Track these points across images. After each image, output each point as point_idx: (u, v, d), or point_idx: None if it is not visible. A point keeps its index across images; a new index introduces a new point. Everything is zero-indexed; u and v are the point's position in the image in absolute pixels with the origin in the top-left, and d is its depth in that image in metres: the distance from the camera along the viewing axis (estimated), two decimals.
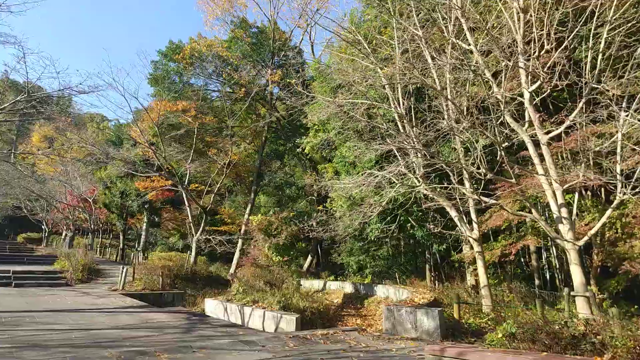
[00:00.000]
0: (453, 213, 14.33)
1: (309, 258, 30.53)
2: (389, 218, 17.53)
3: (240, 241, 26.80)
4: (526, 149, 11.94)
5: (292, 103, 26.84)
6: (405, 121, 14.80)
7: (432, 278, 21.57)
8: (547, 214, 15.63)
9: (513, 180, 10.57)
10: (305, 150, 22.96)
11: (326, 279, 27.13)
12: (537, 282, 20.69)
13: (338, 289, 25.04)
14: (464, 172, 14.34)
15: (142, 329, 9.23)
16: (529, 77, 11.40)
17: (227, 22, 26.82)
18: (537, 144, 11.58)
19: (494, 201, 11.31)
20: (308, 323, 13.22)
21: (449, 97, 13.97)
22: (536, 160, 11.44)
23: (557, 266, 21.50)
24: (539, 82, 10.60)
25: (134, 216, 36.19)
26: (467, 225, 14.39)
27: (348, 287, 24.06)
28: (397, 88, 15.00)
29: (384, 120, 15.26)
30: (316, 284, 26.39)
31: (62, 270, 21.08)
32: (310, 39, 34.29)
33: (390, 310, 9.90)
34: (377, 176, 15.09)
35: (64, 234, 41.24)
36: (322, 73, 19.36)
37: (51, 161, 37.61)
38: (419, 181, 14.45)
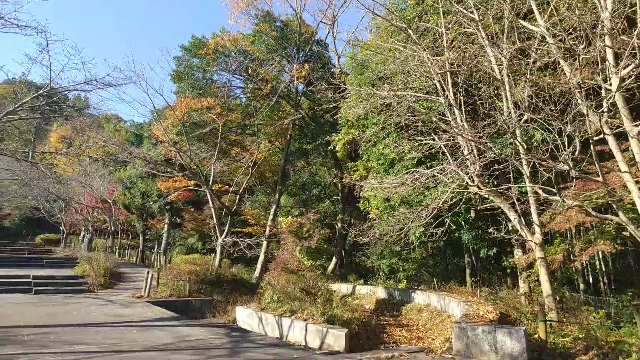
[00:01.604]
0: (512, 215, 12.95)
1: (334, 260, 29.30)
2: (432, 221, 16.19)
3: (264, 243, 25.67)
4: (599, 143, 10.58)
5: (322, 98, 25.77)
6: (457, 113, 13.47)
7: (473, 284, 20.19)
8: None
9: (600, 179, 9.20)
10: (337, 148, 21.68)
11: (354, 283, 25.88)
12: (581, 286, 19.22)
13: (369, 293, 23.75)
14: (525, 169, 12.96)
15: (182, 350, 8.07)
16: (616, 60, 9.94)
17: (251, 15, 25.71)
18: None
19: (572, 202, 9.89)
20: (354, 337, 12.01)
21: (508, 88, 12.64)
22: (619, 156, 10.02)
23: (603, 269, 19.97)
24: (632, 65, 9.19)
25: (154, 217, 35.36)
26: (527, 228, 13.00)
27: (380, 292, 22.77)
28: (447, 78, 13.65)
29: (432, 114, 13.96)
30: (344, 288, 25.15)
31: (83, 274, 20.16)
32: (333, 35, 33.12)
33: (463, 329, 8.62)
34: (425, 175, 13.80)
35: (82, 235, 40.67)
36: (359, 66, 18.03)
37: (70, 162, 37.04)
38: (472, 180, 13.13)
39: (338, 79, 20.69)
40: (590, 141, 8.82)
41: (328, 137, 22.49)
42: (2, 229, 51.62)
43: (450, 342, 11.04)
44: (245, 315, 14.22)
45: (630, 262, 20.01)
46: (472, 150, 13.14)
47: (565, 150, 9.10)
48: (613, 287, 19.79)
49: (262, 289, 23.47)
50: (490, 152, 14.09)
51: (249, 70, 23.94)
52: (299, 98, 27.52)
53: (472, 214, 16.09)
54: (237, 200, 24.89)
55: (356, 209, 30.41)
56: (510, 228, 16.00)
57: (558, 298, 13.54)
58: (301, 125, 28.30)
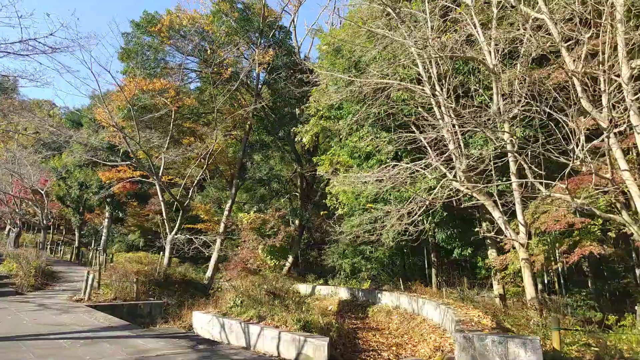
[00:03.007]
0: (496, 214, 12.34)
1: (290, 259, 27.97)
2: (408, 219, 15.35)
3: (218, 241, 23.91)
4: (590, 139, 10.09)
5: (284, 88, 24.32)
6: (442, 105, 12.66)
7: (438, 284, 19.70)
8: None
9: (609, 176, 8.64)
10: (304, 140, 20.37)
11: (314, 283, 24.76)
12: (539, 286, 19.30)
13: (330, 294, 22.67)
14: (512, 166, 12.39)
15: None
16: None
17: None
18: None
19: (578, 200, 9.28)
20: (331, 345, 10.85)
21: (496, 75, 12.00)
22: (618, 153, 9.57)
23: (559, 269, 20.18)
24: None
25: (93, 211, 32.23)
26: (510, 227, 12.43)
27: (342, 293, 21.77)
28: (433, 65, 12.78)
29: (413, 105, 13.10)
30: (303, 288, 23.91)
31: (9, 274, 17.48)
32: (294, 24, 31.72)
33: (468, 339, 7.71)
34: (407, 169, 12.88)
35: (7, 229, 36.51)
36: (334, 51, 16.77)
37: None
38: (456, 176, 12.39)
39: (305, 67, 19.43)
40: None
41: (295, 128, 21.12)
42: None
43: (441, 351, 10.18)
44: (204, 322, 12.61)
45: (584, 262, 20.40)
46: (459, 145, 12.40)
47: (559, 144, 8.46)
48: (565, 287, 20.06)
49: (217, 291, 21.77)
50: (477, 148, 13.47)
51: (208, 52, 22.03)
52: (260, 87, 25.94)
53: (446, 214, 15.44)
54: (189, 195, 22.90)
55: (315, 206, 29.30)
56: (485, 228, 15.57)
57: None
58: (261, 116, 26.71)
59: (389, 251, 22.45)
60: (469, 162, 12.21)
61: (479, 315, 10.12)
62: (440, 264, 20.70)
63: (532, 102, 11.40)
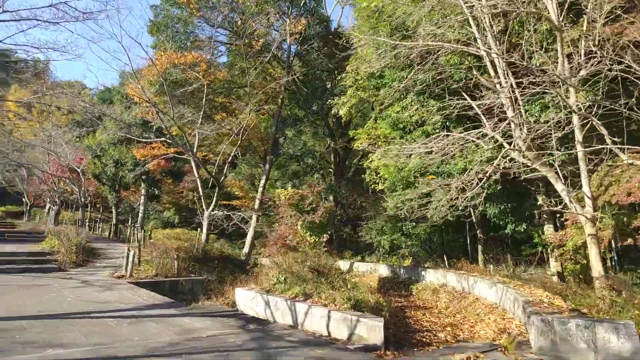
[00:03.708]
0: (559, 186, 11.32)
1: (325, 236, 27.50)
2: (459, 193, 14.44)
3: (254, 217, 23.60)
4: None
5: (317, 59, 23.37)
6: (499, 67, 11.59)
7: (485, 261, 18.80)
8: None
9: None
10: (341, 113, 19.48)
11: (351, 260, 24.24)
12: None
13: (369, 271, 22.09)
14: (577, 133, 11.27)
15: (196, 355, 6.07)
16: None
17: None
18: None
19: None
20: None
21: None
22: None
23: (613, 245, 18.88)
24: None
25: (129, 188, 32.46)
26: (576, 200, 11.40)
27: (382, 270, 21.14)
28: (489, 24, 11.64)
29: (464, 69, 12.05)
30: (341, 265, 23.44)
31: (51, 251, 17.60)
32: None
33: (548, 323, 6.97)
34: (459, 140, 11.94)
35: (47, 207, 37.38)
36: (375, 14, 15.62)
37: (31, 127, 33.46)
38: (516, 146, 11.39)
39: (340, 35, 18.39)
40: None
41: (330, 100, 20.21)
42: None
43: (507, 333, 9.44)
44: (248, 299, 12.25)
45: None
46: (519, 111, 11.36)
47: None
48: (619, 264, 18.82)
49: (253, 267, 21.54)
50: (535, 117, 12.38)
51: (239, 22, 21.22)
52: (292, 59, 25.05)
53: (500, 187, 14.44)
54: (225, 171, 22.51)
55: (349, 182, 28.59)
56: (541, 202, 14.55)
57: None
58: (293, 90, 25.90)
59: (430, 228, 21.63)
60: (529, 130, 11.19)
61: (547, 296, 9.29)
62: (485, 241, 19.75)
63: (604, 61, 10.26)
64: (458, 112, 12.66)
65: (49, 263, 15.89)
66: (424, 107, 13.54)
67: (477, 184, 10.79)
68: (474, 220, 19.54)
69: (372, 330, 8.68)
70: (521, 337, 8.29)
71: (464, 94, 12.88)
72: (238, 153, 31.70)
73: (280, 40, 22.15)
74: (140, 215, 31.79)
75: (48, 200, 35.93)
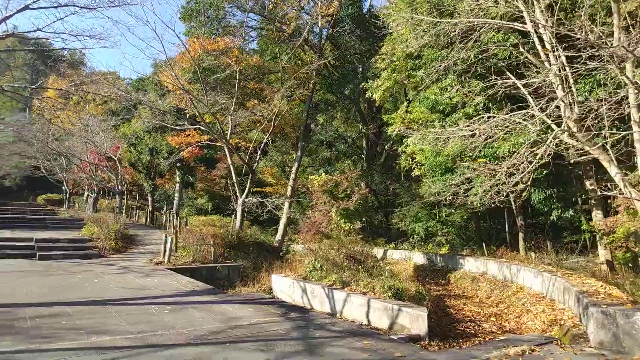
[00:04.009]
0: (613, 170, 10.59)
1: (359, 222, 27.25)
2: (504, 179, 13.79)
3: (286, 204, 23.52)
4: None
5: (349, 42, 22.85)
6: (548, 42, 10.87)
7: (526, 248, 18.11)
8: None
9: None
10: (375, 97, 18.96)
11: (384, 247, 23.90)
12: None
13: (403, 258, 21.71)
14: (633, 113, 10.50)
15: (240, 343, 5.95)
16: None
17: None
18: None
19: None
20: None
21: None
22: None
23: None
24: None
25: (164, 176, 32.99)
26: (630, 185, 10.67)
27: (417, 258, 20.72)
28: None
29: (508, 47, 11.38)
30: (375, 252, 23.16)
31: (91, 237, 18.01)
32: None
33: (609, 315, 6.51)
34: (505, 122, 11.32)
35: (85, 195, 38.51)
36: None
37: (69, 117, 34.36)
38: (566, 128, 10.72)
39: (373, 14, 17.81)
40: None
41: (364, 84, 19.71)
42: (2, 190, 49.55)
43: (559, 325, 8.97)
44: (284, 286, 12.17)
45: None
46: (570, 90, 10.66)
47: None
48: None
49: (286, 253, 21.52)
50: (584, 96, 11.65)
51: (270, 6, 20.91)
52: (323, 43, 24.59)
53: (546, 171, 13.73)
54: (257, 158, 22.47)
55: (380, 167, 28.12)
56: (588, 186, 13.78)
57: None
58: (324, 74, 25.49)
59: (467, 214, 21.01)
60: (582, 111, 10.48)
61: (602, 286, 8.74)
62: (525, 228, 19.00)
63: None
64: (504, 92, 12.02)
65: (90, 249, 16.26)
66: (465, 87, 12.94)
67: (526, 167, 10.20)
68: (513, 206, 18.83)
69: (415, 320, 8.41)
70: (576, 330, 7.82)
71: (508, 73, 12.21)
72: (269, 140, 31.74)
73: (312, 24, 21.71)
74: (175, 202, 32.31)
75: (86, 188, 36.98)
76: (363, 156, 28.85)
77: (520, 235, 17.98)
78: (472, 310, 11.80)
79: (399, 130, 15.89)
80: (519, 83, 11.68)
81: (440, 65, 11.89)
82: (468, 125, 11.80)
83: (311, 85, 24.35)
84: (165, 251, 14.81)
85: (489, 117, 11.53)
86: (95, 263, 14.04)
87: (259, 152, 22.73)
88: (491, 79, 11.82)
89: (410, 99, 18.29)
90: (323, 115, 27.25)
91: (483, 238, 21.25)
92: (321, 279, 11.53)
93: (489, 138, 11.33)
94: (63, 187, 39.42)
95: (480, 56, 12.54)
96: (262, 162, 33.88)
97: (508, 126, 11.74)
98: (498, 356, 5.95)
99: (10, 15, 9.34)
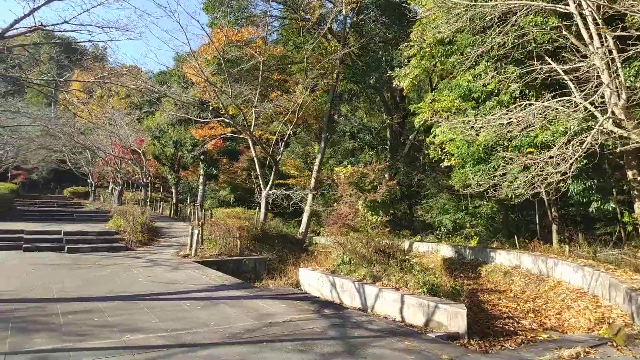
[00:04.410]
0: None
1: (386, 215, 26.82)
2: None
3: (310, 196, 23.27)
4: None
5: (373, 30, 22.29)
6: (592, 25, 10.24)
7: (560, 241, 17.46)
8: None
9: None
10: (403, 85, 18.39)
11: (410, 239, 23.47)
12: None
13: (430, 251, 21.26)
14: None
15: (277, 342, 5.70)
16: None
17: None
18: None
19: None
20: None
21: None
22: None
23: None
24: None
25: (187, 168, 33.15)
26: None
27: (445, 250, 20.25)
28: None
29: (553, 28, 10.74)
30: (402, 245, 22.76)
31: (117, 230, 18.12)
32: None
33: None
34: (541, 109, 10.76)
35: (110, 188, 39.04)
36: None
37: (92, 110, 34.68)
38: (612, 115, 10.10)
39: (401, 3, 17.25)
40: None
41: (391, 72, 19.15)
42: (30, 183, 50.77)
43: (607, 323, 8.48)
44: (313, 279, 11.92)
45: None
46: (617, 75, 10.04)
47: None
48: None
49: (309, 245, 21.32)
50: (630, 81, 10.98)
51: None
52: (347, 31, 24.08)
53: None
54: (279, 150, 22.25)
55: (405, 158, 27.58)
56: (630, 177, 13.08)
57: None
58: (348, 63, 25.00)
59: (496, 206, 20.39)
60: (631, 97, 9.88)
61: None
62: (561, 220, 18.32)
63: None
64: (542, 78, 11.43)
65: (117, 242, 16.32)
66: (501, 74, 12.36)
67: (572, 157, 9.65)
68: (545, 198, 18.16)
69: (453, 318, 8.05)
70: (629, 330, 7.34)
71: (547, 58, 11.61)
72: (292, 131, 31.50)
73: (337, 11, 21.21)
74: (200, 194, 32.46)
75: (111, 180, 37.45)
76: (387, 147, 28.33)
77: (554, 227, 17.33)
78: (508, 305, 11.35)
79: (431, 119, 15.37)
80: (559, 69, 11.10)
81: (476, 51, 11.35)
82: (506, 113, 11.29)
83: (335, 75, 23.90)
84: (191, 244, 14.73)
85: (529, 104, 10.98)
86: (123, 256, 14.05)
87: (281, 144, 22.47)
88: (529, 65, 11.25)
89: (437, 87, 17.66)
90: (346, 106, 26.80)
91: (511, 230, 20.63)
92: (350, 273, 11.25)
93: (528, 127, 10.80)
94: (88, 180, 40.03)
95: (517, 41, 11.93)
96: (285, 154, 33.71)
97: (548, 114, 11.17)
98: (551, 359, 5.55)
99: (39, 7, 9.23)
